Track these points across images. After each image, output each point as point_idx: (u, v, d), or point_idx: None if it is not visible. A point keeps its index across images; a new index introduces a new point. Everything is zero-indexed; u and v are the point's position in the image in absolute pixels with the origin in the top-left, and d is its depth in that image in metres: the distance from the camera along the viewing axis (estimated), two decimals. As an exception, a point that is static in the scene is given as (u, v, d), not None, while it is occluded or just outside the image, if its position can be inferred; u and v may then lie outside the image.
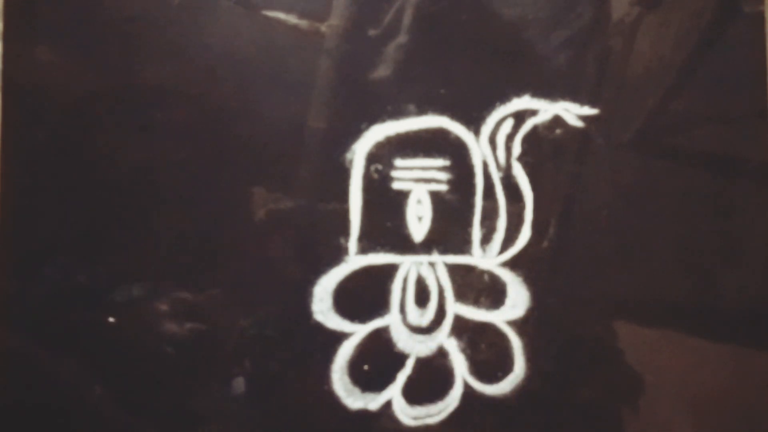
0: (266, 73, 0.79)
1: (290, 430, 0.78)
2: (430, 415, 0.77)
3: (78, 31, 0.78)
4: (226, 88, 0.79)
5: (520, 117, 0.79)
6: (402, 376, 0.78)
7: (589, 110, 0.79)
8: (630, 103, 0.80)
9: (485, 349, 0.78)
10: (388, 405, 0.77)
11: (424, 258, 0.79)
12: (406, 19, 0.79)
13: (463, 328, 0.79)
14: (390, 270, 0.79)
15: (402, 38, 0.79)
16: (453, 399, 0.78)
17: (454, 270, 0.79)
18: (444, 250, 0.79)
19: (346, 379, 0.77)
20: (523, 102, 0.79)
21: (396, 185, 0.79)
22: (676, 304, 0.80)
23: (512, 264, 0.79)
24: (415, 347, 0.78)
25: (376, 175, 0.79)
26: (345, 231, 0.78)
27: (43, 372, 0.77)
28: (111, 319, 0.77)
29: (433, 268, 0.79)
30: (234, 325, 0.78)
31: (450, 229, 0.79)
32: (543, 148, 0.79)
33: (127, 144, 0.78)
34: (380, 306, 0.78)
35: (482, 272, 0.79)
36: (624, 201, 0.80)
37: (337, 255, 0.78)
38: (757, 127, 0.80)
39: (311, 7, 0.79)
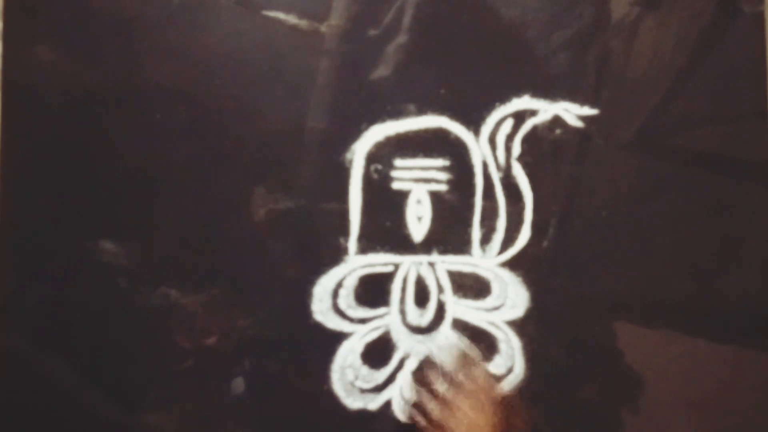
0: (266, 73, 0.79)
1: (290, 430, 0.78)
2: (429, 415, 0.77)
3: (78, 31, 0.78)
4: (226, 88, 0.79)
5: (519, 117, 0.79)
6: (402, 377, 0.78)
7: (589, 110, 0.79)
8: (630, 103, 0.80)
9: (485, 349, 0.78)
10: (387, 405, 0.77)
11: (423, 258, 0.79)
12: (406, 19, 0.79)
13: (462, 329, 0.79)
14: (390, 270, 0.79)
15: (402, 38, 0.79)
16: (453, 399, 0.78)
17: (453, 270, 0.79)
18: (444, 250, 0.79)
19: (346, 378, 0.77)
20: (523, 102, 0.79)
21: (396, 185, 0.79)
22: (676, 304, 0.79)
23: (512, 264, 0.79)
24: (414, 347, 0.78)
25: (376, 175, 0.79)
26: (345, 231, 0.78)
27: (41, 372, 0.77)
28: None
29: (432, 268, 0.79)
30: (234, 325, 0.78)
31: (450, 229, 0.79)
32: (543, 148, 0.79)
33: (127, 144, 0.78)
34: (380, 306, 0.78)
35: (482, 272, 0.79)
36: (624, 201, 0.80)
37: (337, 255, 0.78)
38: (757, 127, 0.80)
39: (311, 7, 0.79)
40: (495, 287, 0.79)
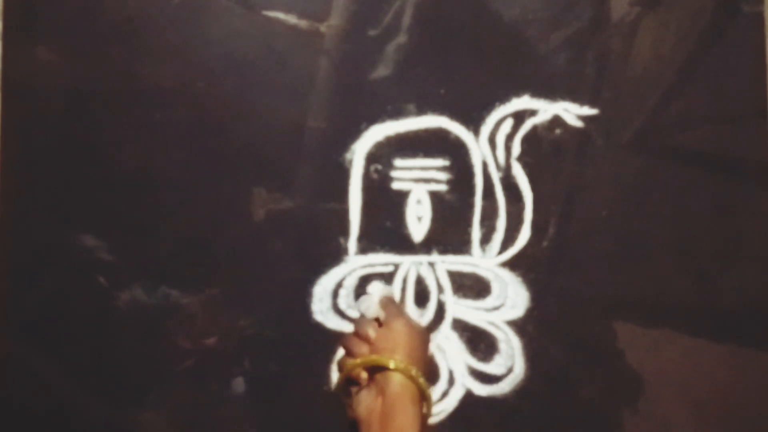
0: (266, 73, 0.79)
1: (290, 430, 0.78)
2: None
3: (78, 31, 0.78)
4: (226, 88, 0.79)
5: (519, 117, 0.79)
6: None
7: (589, 110, 0.79)
8: (630, 103, 0.80)
9: (485, 349, 0.78)
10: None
11: (423, 258, 0.79)
12: (406, 19, 0.79)
13: (462, 329, 0.79)
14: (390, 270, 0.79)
15: (402, 38, 0.79)
16: (453, 399, 0.78)
17: (453, 270, 0.79)
18: (443, 250, 0.79)
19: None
20: (522, 102, 0.79)
21: (396, 185, 0.79)
22: (676, 304, 0.79)
23: (512, 264, 0.79)
24: (414, 347, 0.78)
25: (375, 175, 0.79)
26: (345, 231, 0.78)
27: (40, 374, 0.77)
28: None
29: (432, 268, 0.79)
30: (234, 325, 0.78)
31: (450, 229, 0.79)
32: (543, 148, 0.79)
33: (127, 144, 0.78)
34: (380, 306, 0.78)
35: (482, 272, 0.79)
36: (624, 201, 0.80)
37: (337, 255, 0.78)
38: (757, 127, 0.80)
39: (311, 7, 0.79)
40: (495, 287, 0.79)
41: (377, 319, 0.69)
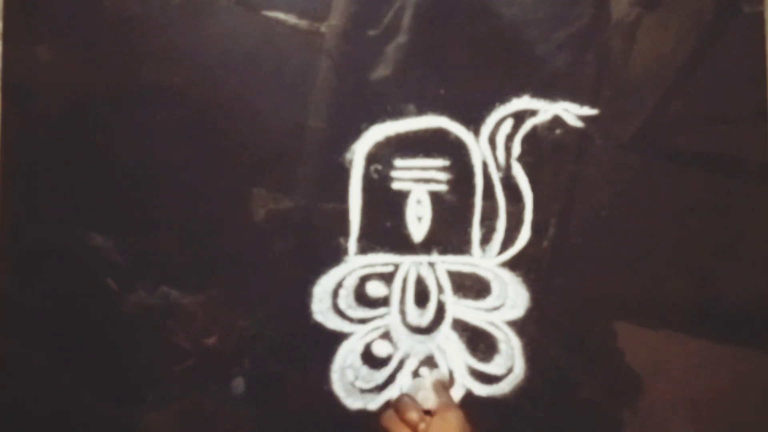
0: (266, 73, 0.79)
1: (290, 430, 0.78)
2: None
3: (78, 31, 0.78)
4: (226, 88, 0.79)
5: (519, 117, 0.79)
6: (402, 377, 0.78)
7: (589, 110, 0.79)
8: (630, 103, 0.80)
9: (485, 349, 0.78)
10: (387, 405, 0.77)
11: (423, 258, 0.79)
12: (406, 19, 0.79)
13: (462, 329, 0.79)
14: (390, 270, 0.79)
15: (402, 38, 0.79)
16: (453, 399, 0.78)
17: (453, 270, 0.79)
18: (444, 251, 0.79)
19: (346, 379, 0.77)
20: (522, 102, 0.79)
21: (396, 185, 0.79)
22: (676, 304, 0.79)
23: (512, 264, 0.79)
24: (414, 347, 0.78)
25: (375, 175, 0.79)
26: (345, 231, 0.78)
27: (40, 373, 0.77)
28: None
29: (432, 269, 0.79)
30: (234, 325, 0.78)
31: (450, 229, 0.79)
32: (543, 148, 0.79)
33: (126, 144, 0.78)
34: (380, 306, 0.78)
35: (482, 272, 0.79)
36: (624, 201, 0.80)
37: (337, 255, 0.78)
38: (757, 127, 0.80)
39: (311, 7, 0.79)
40: (495, 287, 0.79)
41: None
